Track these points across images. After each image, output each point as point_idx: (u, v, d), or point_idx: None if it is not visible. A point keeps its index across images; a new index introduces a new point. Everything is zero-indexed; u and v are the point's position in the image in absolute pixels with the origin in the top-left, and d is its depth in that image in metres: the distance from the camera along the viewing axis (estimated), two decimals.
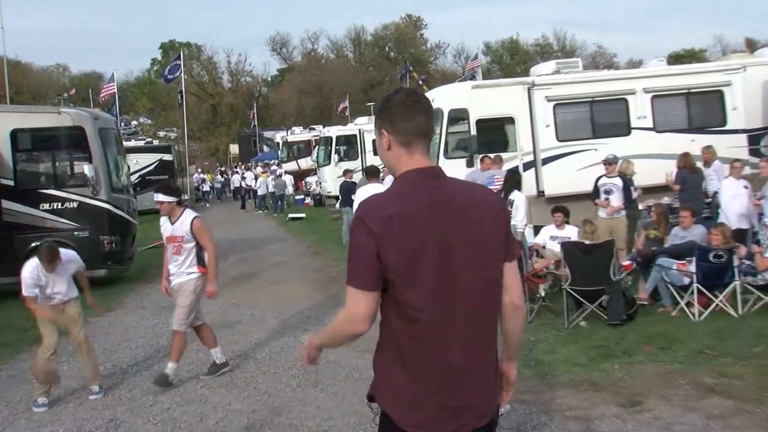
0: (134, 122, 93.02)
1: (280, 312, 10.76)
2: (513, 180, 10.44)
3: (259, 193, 34.49)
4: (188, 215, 7.10)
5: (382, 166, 22.68)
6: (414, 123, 2.59)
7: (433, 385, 2.51)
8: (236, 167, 55.98)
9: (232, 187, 44.62)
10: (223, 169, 57.10)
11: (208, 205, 42.78)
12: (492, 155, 13.50)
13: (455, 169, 14.50)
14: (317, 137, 36.34)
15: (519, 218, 10.07)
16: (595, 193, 11.64)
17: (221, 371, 7.55)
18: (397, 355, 2.53)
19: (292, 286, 12.93)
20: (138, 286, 13.99)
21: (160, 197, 7.02)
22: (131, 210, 14.71)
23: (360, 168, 28.63)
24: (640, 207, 12.46)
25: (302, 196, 34.58)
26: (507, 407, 5.89)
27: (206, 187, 45.37)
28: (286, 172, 36.50)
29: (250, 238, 22.19)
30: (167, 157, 35.02)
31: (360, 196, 11.15)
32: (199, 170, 50.72)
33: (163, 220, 7.14)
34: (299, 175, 37.87)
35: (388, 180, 19.82)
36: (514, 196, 10.14)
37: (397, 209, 2.48)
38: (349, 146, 31.75)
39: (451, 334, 2.50)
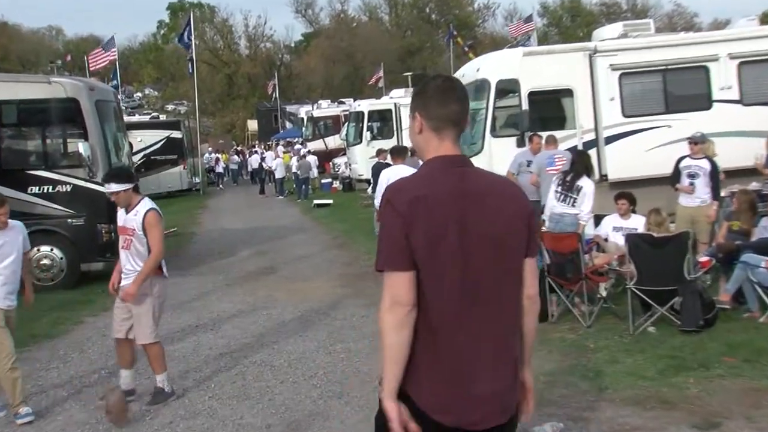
0: (138, 94, 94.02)
1: (302, 313, 10.80)
2: (582, 163, 10.27)
3: (277, 175, 34.83)
4: (144, 205, 7.06)
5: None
6: (448, 109, 2.94)
7: (453, 373, 2.82)
8: (254, 146, 56.33)
9: (249, 169, 44.87)
10: (239, 148, 57.51)
11: (221, 187, 43.21)
12: (543, 134, 13.36)
13: (503, 148, 14.38)
14: (347, 112, 36.45)
15: (585, 208, 9.94)
16: (675, 177, 11.41)
17: (122, 399, 6.96)
18: (419, 345, 2.81)
19: (316, 283, 12.99)
20: None
21: (112, 187, 6.93)
22: None
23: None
24: (723, 194, 12.22)
25: (329, 180, 34.70)
26: (559, 426, 5.82)
27: (220, 169, 45.72)
28: (311, 152, 36.69)
29: (269, 227, 22.33)
30: (176, 134, 35.47)
31: (385, 178, 11.12)
32: (212, 149, 51.11)
33: (120, 210, 7.16)
34: (326, 156, 37.99)
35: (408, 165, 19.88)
36: (583, 182, 10.00)
37: (423, 192, 2.81)
38: (384, 122, 31.77)
39: (470, 322, 2.82)
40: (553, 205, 10.11)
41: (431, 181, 2.88)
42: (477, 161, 14.84)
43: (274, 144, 55.34)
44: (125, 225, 7.06)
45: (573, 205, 9.95)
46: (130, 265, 7.10)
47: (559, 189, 10.06)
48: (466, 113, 3.02)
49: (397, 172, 11.03)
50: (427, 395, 2.84)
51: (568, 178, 10.06)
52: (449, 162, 2.94)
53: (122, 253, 7.12)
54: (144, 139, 33.73)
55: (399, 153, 13.05)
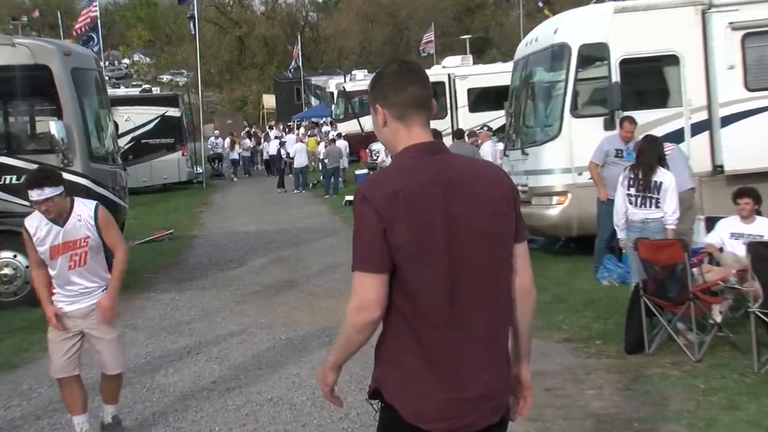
0: (125, 61, 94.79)
1: (330, 338, 10.80)
2: (652, 152, 10.14)
3: (296, 164, 34.95)
4: (84, 205, 7.02)
5: (479, 128, 22.58)
6: (407, 93, 3.39)
7: (443, 374, 3.27)
8: (271, 127, 56.62)
9: (264, 157, 45.03)
10: (252, 130, 57.78)
11: (235, 179, 43.51)
12: (637, 116, 13.23)
13: (587, 132, 14.26)
14: None
15: (670, 207, 9.84)
16: None
17: None
18: (404, 342, 3.29)
19: (347, 301, 12.91)
20: (127, 297, 14.27)
21: (46, 192, 6.73)
22: (119, 187, 14.99)
23: (450, 129, 28.60)
24: None
25: (365, 171, 34.72)
26: None
27: (234, 155, 45.76)
28: (343, 136, 36.89)
29: (289, 229, 22.43)
30: (173, 111, 35.98)
31: None
32: (218, 131, 51.28)
33: (39, 224, 6.97)
34: (362, 140, 38.01)
35: (488, 146, 19.81)
36: (660, 175, 9.89)
37: (400, 185, 3.22)
38: (435, 98, 31.66)
39: (460, 318, 3.28)
40: (631, 211, 10.03)
41: (409, 173, 3.28)
42: (552, 148, 15.08)
43: (295, 125, 55.60)
44: (68, 238, 6.94)
45: (657, 207, 9.88)
46: (88, 282, 7.09)
47: (632, 191, 9.99)
48: (429, 97, 3.44)
49: None
50: (417, 404, 3.28)
51: (640, 175, 9.95)
52: (424, 150, 3.36)
53: (71, 275, 7.03)
54: (132, 118, 34.19)
55: (462, 137, 13.17)
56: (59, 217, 6.92)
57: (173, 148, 35.74)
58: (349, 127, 40.62)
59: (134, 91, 40.77)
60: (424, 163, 3.32)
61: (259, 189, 37.30)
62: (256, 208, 28.68)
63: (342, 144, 34.60)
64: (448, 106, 30.96)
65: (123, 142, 29.33)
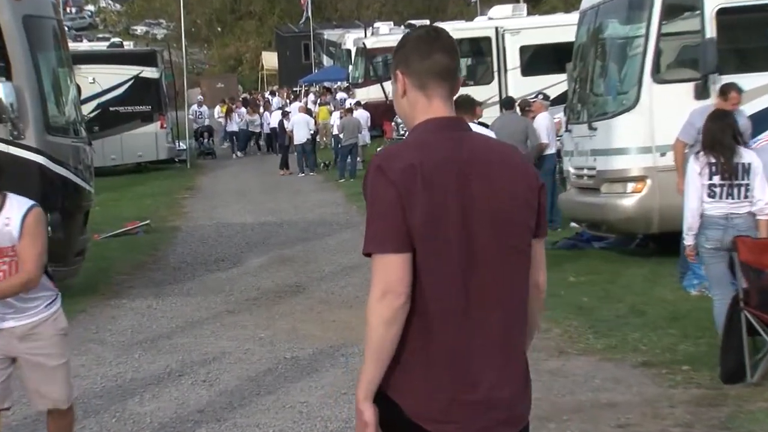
0: (90, 8, 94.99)
1: (345, 356, 10.79)
2: (727, 129, 9.97)
3: (296, 140, 34.67)
4: (18, 204, 6.95)
5: (534, 96, 22.53)
6: (431, 60, 3.75)
7: (450, 372, 3.61)
8: (273, 93, 56.63)
9: (265, 130, 44.59)
10: (250, 96, 57.79)
11: (238, 155, 43.47)
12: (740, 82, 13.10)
13: (672, 101, 14.14)
14: None
15: (764, 195, 9.70)
16: None
17: None
18: (410, 335, 3.60)
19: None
20: (93, 304, 14.33)
21: None
22: (82, 166, 14.99)
23: (497, 97, 28.49)
24: None
25: None
26: None
27: (233, 126, 44.45)
28: (362, 105, 36.92)
29: (295, 221, 22.50)
30: (149, 72, 36.03)
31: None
32: (201, 98, 50.49)
33: None
34: (386, 110, 37.91)
35: (544, 119, 19.77)
36: (745, 155, 9.76)
37: (419, 159, 3.58)
38: (478, 58, 31.77)
39: (472, 311, 3.63)
40: (712, 206, 9.84)
41: (425, 148, 3.64)
42: (628, 121, 14.96)
43: (303, 91, 55.56)
44: None
45: (746, 197, 9.71)
46: (24, 295, 7.00)
47: (716, 180, 9.77)
48: (454, 69, 3.81)
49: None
50: (422, 402, 3.61)
51: (721, 159, 9.78)
52: (443, 125, 3.73)
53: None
54: (99, 80, 34.25)
55: (507, 104, 13.15)
56: None
57: (150, 117, 35.83)
58: (370, 93, 40.58)
59: (101, 46, 41.03)
60: (441, 139, 3.68)
61: (258, 171, 37.43)
62: (254, 195, 28.73)
63: (361, 115, 34.67)
64: (495, 68, 30.81)
65: (87, 109, 29.28)
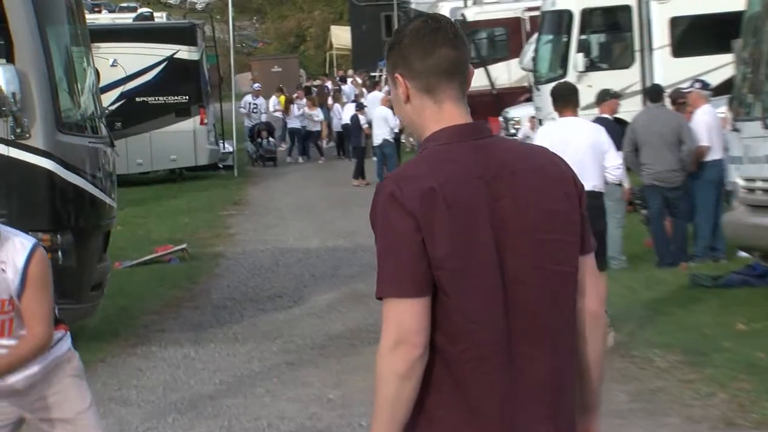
0: None
1: None
2: None
3: (375, 140, 34.20)
4: (19, 244, 6.87)
5: (689, 84, 22.33)
6: (435, 57, 3.92)
7: (494, 424, 3.80)
8: (344, 80, 56.63)
9: (335, 127, 44.30)
10: (314, 83, 57.84)
11: (299, 160, 43.33)
12: None
13: None
14: (535, 13, 36.62)
15: None
16: None
17: None
18: (439, 390, 3.81)
19: None
20: (114, 353, 14.37)
21: None
22: (103, 174, 15.02)
23: (638, 85, 28.25)
24: None
25: None
26: None
27: (295, 123, 43.42)
28: None
29: (372, 247, 22.37)
30: (187, 52, 36.32)
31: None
32: (258, 86, 50.42)
33: None
34: (491, 102, 37.95)
35: (704, 115, 19.54)
36: None
37: (439, 180, 3.78)
38: (613, 34, 31.61)
39: (512, 353, 3.82)
40: None
41: (444, 165, 3.83)
42: None
43: (384, 76, 55.51)
44: None
45: None
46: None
47: None
48: (464, 62, 4.01)
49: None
50: None
51: None
52: (461, 134, 3.92)
53: None
54: (122, 62, 34.49)
55: (653, 95, 13.06)
56: None
57: (187, 111, 36.04)
58: (472, 81, 40.48)
59: (125, 18, 41.21)
60: (462, 151, 3.88)
61: (325, 180, 37.61)
62: (319, 212, 28.82)
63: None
64: (636, 46, 30.48)
65: (108, 100, 29.48)
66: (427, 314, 3.70)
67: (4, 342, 6.90)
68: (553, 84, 29.00)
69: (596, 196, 12.78)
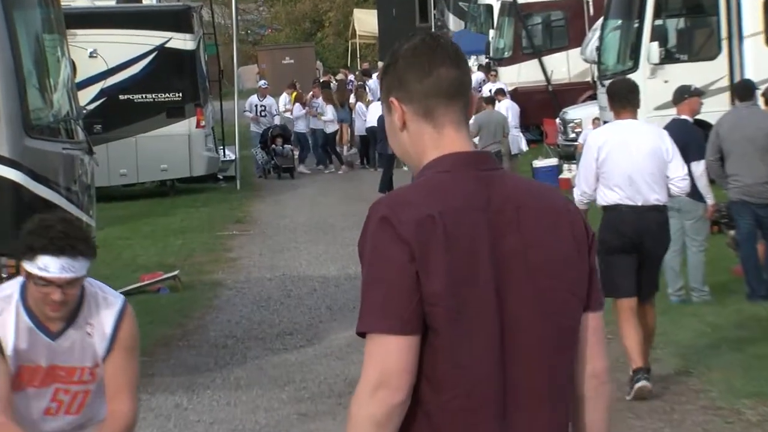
0: None
1: None
2: None
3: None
4: (105, 303, 6.96)
5: None
6: (434, 77, 4.14)
7: None
8: (369, 74, 56.74)
9: (358, 131, 44.17)
10: (335, 78, 57.90)
11: (328, 169, 43.26)
12: None
13: None
14: None
15: None
16: None
17: None
18: None
19: None
20: None
21: (75, 267, 6.67)
22: (79, 187, 15.06)
23: (725, 80, 28.29)
24: None
25: (553, 162, 34.61)
26: None
27: (301, 126, 43.55)
28: (509, 92, 37.16)
29: None
30: (180, 40, 36.36)
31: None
32: (265, 83, 50.14)
33: (13, 318, 6.91)
34: (546, 100, 37.97)
35: None
36: None
37: (437, 208, 3.97)
38: (694, 20, 31.57)
39: (509, 404, 3.99)
40: None
41: (443, 193, 4.02)
42: None
43: None
44: (61, 361, 6.96)
45: None
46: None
47: None
48: (465, 83, 4.24)
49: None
50: None
51: None
52: (464, 162, 4.13)
53: (44, 425, 7.09)
54: (103, 53, 34.55)
55: (743, 93, 13.08)
56: (57, 319, 6.89)
57: (180, 111, 36.04)
58: (523, 74, 40.77)
59: (107, 0, 41.27)
60: (463, 181, 4.09)
61: (345, 194, 37.70)
62: (338, 232, 28.87)
63: (508, 108, 34.91)
64: (723, 34, 30.52)
65: (85, 98, 29.54)
66: (415, 355, 3.85)
67: (70, 419, 7.03)
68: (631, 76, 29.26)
69: (659, 210, 12.92)
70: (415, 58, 4.11)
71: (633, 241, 13.04)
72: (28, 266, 6.73)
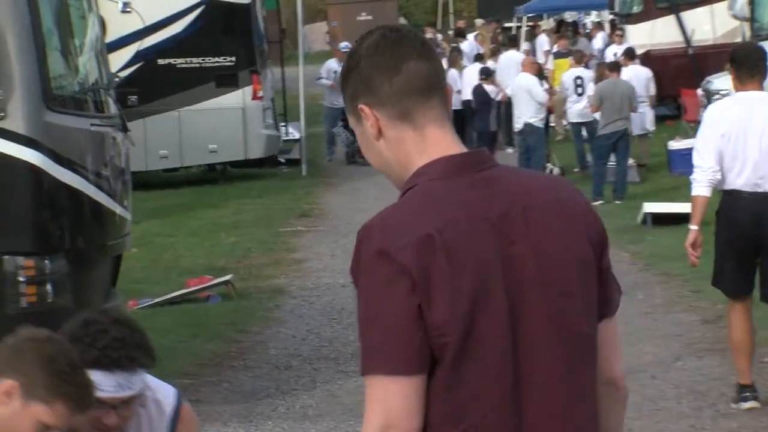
0: None
1: None
2: None
3: (515, 123, 34.46)
4: (155, 401, 7.09)
5: None
6: (405, 74, 4.31)
7: None
8: (462, 34, 56.88)
9: (453, 103, 44.28)
10: (448, 35, 57.88)
11: None
12: None
13: None
14: None
15: None
16: None
17: None
18: None
19: None
20: None
21: (133, 383, 6.69)
22: (111, 171, 15.15)
23: None
24: None
25: (693, 142, 34.54)
26: None
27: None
28: (638, 56, 37.29)
29: None
30: None
31: None
32: (347, 44, 50.24)
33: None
34: (684, 68, 37.95)
35: None
36: None
37: (436, 224, 4.13)
38: None
39: (524, 426, 4.19)
40: None
41: (440, 205, 4.19)
42: None
43: (522, 30, 55.85)
44: None
45: None
46: None
47: None
48: (440, 73, 4.48)
49: None
50: None
51: None
52: (458, 165, 4.31)
53: None
54: (139, 7, 34.14)
55: None
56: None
57: (233, 79, 36.21)
58: (657, 34, 40.65)
59: None
60: (460, 187, 4.25)
61: None
62: None
63: (638, 75, 35.03)
64: None
65: (118, 62, 29.68)
66: (422, 395, 4.02)
67: None
68: None
69: None
70: (379, 55, 4.25)
71: (752, 233, 13.29)
72: None
